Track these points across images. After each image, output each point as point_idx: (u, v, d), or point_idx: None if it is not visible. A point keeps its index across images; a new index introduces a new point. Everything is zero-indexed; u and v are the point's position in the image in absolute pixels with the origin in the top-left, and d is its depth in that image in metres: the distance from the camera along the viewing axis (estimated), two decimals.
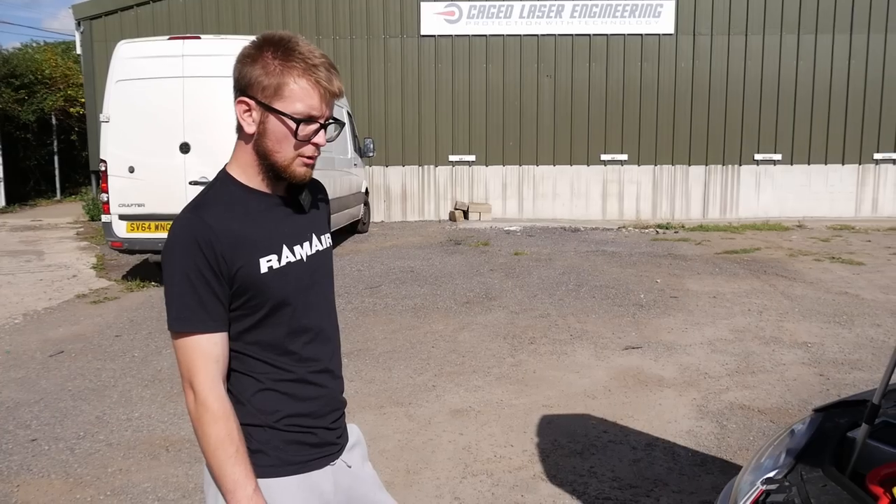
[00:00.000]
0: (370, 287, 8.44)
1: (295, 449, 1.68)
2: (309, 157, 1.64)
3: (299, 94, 1.56)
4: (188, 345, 1.54)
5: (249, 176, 1.65)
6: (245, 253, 1.58)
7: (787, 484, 2.11)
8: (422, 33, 14.15)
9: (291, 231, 1.69)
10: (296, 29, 12.40)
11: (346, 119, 11.62)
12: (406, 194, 14.51)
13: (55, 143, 20.05)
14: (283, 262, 1.65)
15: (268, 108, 1.58)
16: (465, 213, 14.29)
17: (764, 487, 2.15)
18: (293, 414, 1.68)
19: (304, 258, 1.71)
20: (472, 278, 8.85)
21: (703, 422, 4.68)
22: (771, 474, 2.22)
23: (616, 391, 5.20)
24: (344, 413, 1.86)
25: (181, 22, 13.92)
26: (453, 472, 3.98)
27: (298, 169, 1.63)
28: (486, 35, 14.08)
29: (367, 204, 13.23)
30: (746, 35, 13.96)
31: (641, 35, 14.00)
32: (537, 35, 14.06)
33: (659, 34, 14.00)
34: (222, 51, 7.92)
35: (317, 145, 1.63)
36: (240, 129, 1.64)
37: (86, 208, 15.21)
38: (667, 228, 13.26)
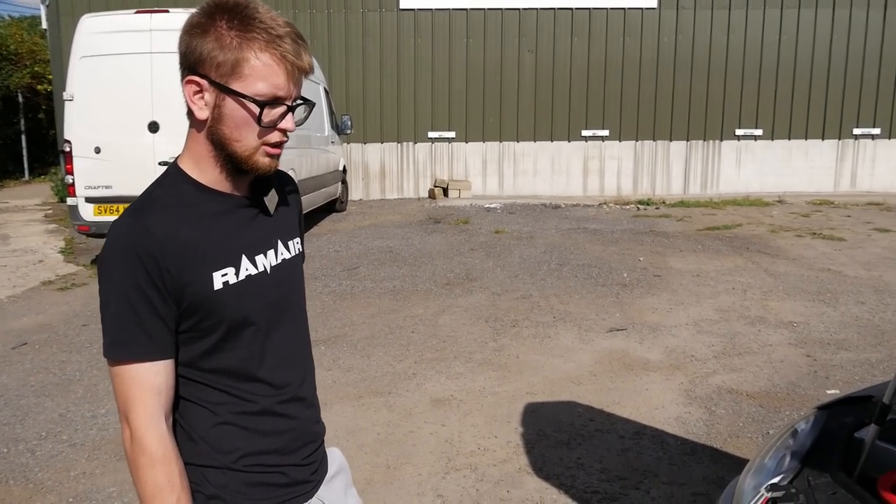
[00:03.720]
0: (348, 269, 8.24)
1: (259, 492, 1.45)
2: (274, 146, 1.38)
3: (262, 72, 1.31)
4: (125, 374, 1.31)
5: (204, 170, 1.39)
6: (195, 266, 1.33)
7: (793, 491, 1.97)
8: (401, 7, 13.83)
9: (253, 238, 1.44)
10: (271, 3, 12.03)
11: (322, 95, 11.33)
12: (385, 172, 14.28)
13: (22, 122, 19.52)
14: (243, 276, 1.40)
15: (224, 89, 1.32)
16: (445, 191, 14.09)
17: (769, 495, 2.00)
18: (256, 451, 1.44)
19: (268, 269, 1.46)
20: (453, 258, 8.68)
21: (691, 407, 4.57)
22: (776, 479, 2.08)
23: (602, 376, 5.07)
24: (321, 444, 1.62)
25: None
26: (436, 467, 3.83)
27: (262, 160, 1.38)
28: (466, 9, 13.79)
29: (344, 182, 12.98)
30: (729, 9, 13.78)
31: (624, 9, 13.79)
32: (519, 9, 13.80)
33: (642, 8, 13.79)
34: None
35: (284, 131, 1.38)
36: (190, 114, 1.37)
37: (55, 189, 14.82)
38: (648, 204, 13.16)
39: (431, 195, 14.18)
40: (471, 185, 14.21)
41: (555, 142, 14.13)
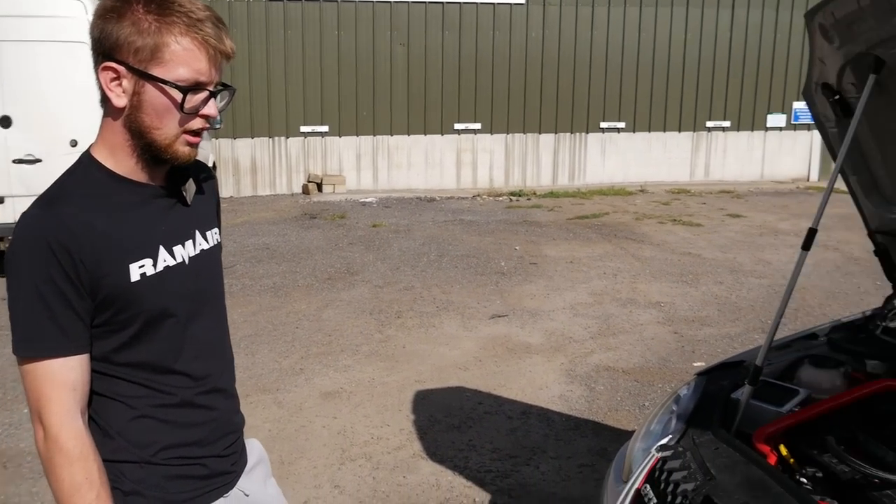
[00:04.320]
0: (224, 268, 7.99)
1: (178, 485, 1.42)
2: (195, 134, 1.35)
3: (183, 57, 1.27)
4: (38, 372, 1.26)
5: (119, 160, 1.34)
6: (111, 257, 1.29)
7: (680, 449, 2.12)
8: None
9: (171, 229, 1.41)
10: None
11: None
12: (256, 167, 13.93)
13: None
14: (160, 268, 1.37)
15: (144, 76, 1.27)
16: (319, 186, 13.92)
17: (659, 455, 2.14)
18: (175, 444, 1.41)
19: (186, 260, 1.43)
20: (332, 253, 8.62)
21: (572, 386, 4.78)
22: (664, 441, 2.23)
23: (487, 361, 5.21)
24: (241, 435, 1.61)
25: None
26: (330, 459, 3.82)
27: (182, 148, 1.34)
28: (337, 1, 13.66)
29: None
30: (593, 6, 14.36)
31: (493, 4, 14.08)
32: (390, 1, 13.80)
33: (510, 3, 14.13)
34: (45, 11, 7.13)
35: (207, 117, 1.35)
36: (105, 102, 1.32)
37: None
38: (520, 196, 13.54)
39: (305, 191, 13.97)
40: (345, 180, 14.12)
41: (428, 135, 14.27)
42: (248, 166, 13.90)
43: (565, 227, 10.29)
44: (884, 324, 2.57)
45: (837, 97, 2.20)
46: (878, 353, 2.42)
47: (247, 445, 1.64)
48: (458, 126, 14.31)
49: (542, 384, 4.80)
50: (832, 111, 2.23)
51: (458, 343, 5.57)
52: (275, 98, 13.67)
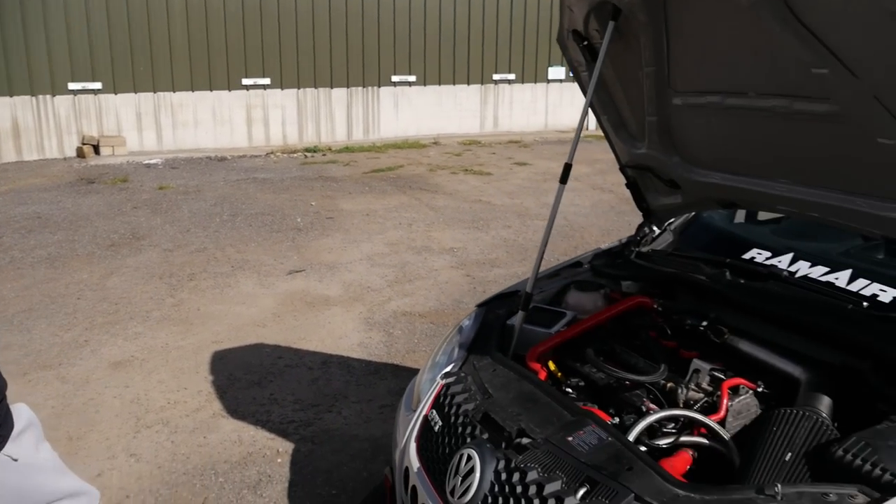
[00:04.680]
0: None
1: None
2: None
3: None
4: None
5: None
6: None
7: (462, 374, 2.28)
8: None
9: None
10: None
11: None
12: (19, 130, 12.60)
13: None
14: None
15: None
16: (96, 149, 12.89)
17: (443, 382, 2.30)
18: None
19: None
20: (115, 218, 8.08)
21: (371, 333, 4.90)
22: (447, 369, 2.39)
23: (285, 316, 5.20)
24: (3, 399, 1.53)
25: None
26: (124, 429, 3.67)
27: None
28: None
29: None
30: None
31: None
32: None
33: None
34: None
35: None
36: None
37: None
38: (315, 152, 13.39)
39: (80, 154, 12.88)
40: (125, 141, 13.18)
41: (214, 91, 13.64)
42: (8, 129, 12.55)
43: (361, 181, 10.36)
44: (637, 249, 2.89)
45: (585, 43, 2.41)
46: (632, 274, 2.73)
47: (13, 410, 1.56)
48: (246, 81, 13.81)
49: (341, 334, 4.88)
50: (582, 56, 2.45)
51: (256, 301, 5.50)
52: (34, 49, 12.37)
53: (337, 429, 3.70)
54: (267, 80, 13.96)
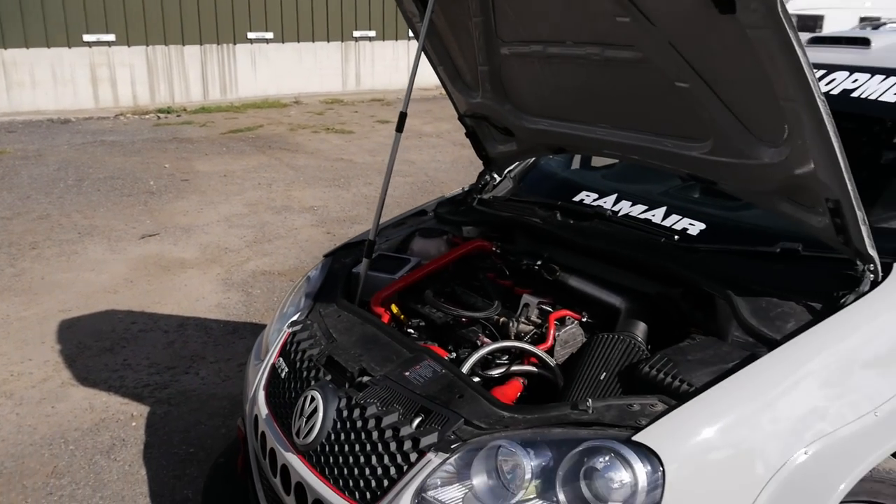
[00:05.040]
0: None
1: None
2: None
3: None
4: None
5: None
6: None
7: (308, 322, 2.33)
8: None
9: None
10: None
11: None
12: None
13: None
14: None
15: None
16: None
17: (290, 330, 2.34)
18: None
19: None
20: None
21: (229, 293, 4.84)
22: (294, 318, 2.43)
23: (139, 281, 5.04)
24: None
25: None
26: None
27: None
28: None
29: None
30: None
31: None
32: None
33: None
34: None
35: None
36: None
37: None
38: (168, 113, 12.81)
39: None
40: None
41: (53, 48, 12.70)
42: None
43: (218, 141, 10.04)
44: (478, 196, 3.02)
45: None
46: (473, 220, 2.86)
47: None
48: (88, 38, 12.94)
49: (198, 296, 4.80)
50: (415, 7, 2.51)
51: (106, 267, 5.29)
52: None
53: (194, 389, 3.67)
54: (111, 37, 13.14)
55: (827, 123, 1.61)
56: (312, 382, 2.08)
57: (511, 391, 2.04)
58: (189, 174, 8.03)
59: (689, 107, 1.99)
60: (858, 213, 1.75)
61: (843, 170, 1.68)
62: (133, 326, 4.34)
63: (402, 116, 2.48)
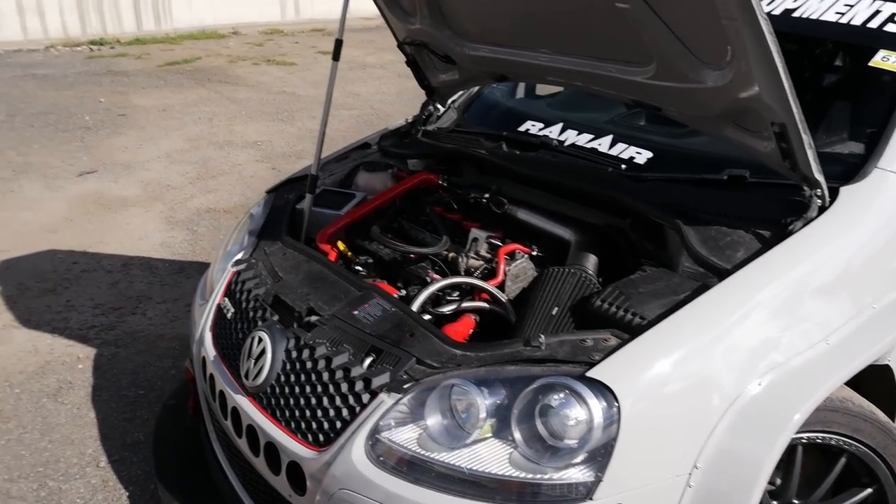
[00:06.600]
0: None
1: None
2: None
3: None
4: None
5: None
6: None
7: (253, 261, 2.29)
8: None
9: None
10: None
11: None
12: None
13: None
14: None
15: None
16: None
17: (234, 269, 2.30)
18: None
19: None
20: None
21: (174, 232, 4.74)
22: (238, 256, 2.38)
23: (79, 220, 4.89)
24: None
25: None
26: None
27: None
28: None
29: None
30: None
31: None
32: None
33: None
34: None
35: None
36: None
37: None
38: (101, 45, 12.23)
39: None
40: None
41: None
42: None
43: (155, 74, 9.65)
44: (423, 128, 2.96)
45: None
46: (418, 153, 2.81)
47: None
48: None
49: (141, 235, 4.68)
50: None
51: (44, 205, 5.11)
52: None
53: (142, 330, 3.61)
54: None
55: (770, 43, 1.57)
56: (259, 323, 2.05)
57: (463, 328, 2.02)
58: (126, 109, 7.73)
59: (630, 29, 1.92)
60: (804, 136, 1.73)
61: (788, 92, 1.64)
62: (75, 266, 4.23)
63: (338, 44, 2.41)
